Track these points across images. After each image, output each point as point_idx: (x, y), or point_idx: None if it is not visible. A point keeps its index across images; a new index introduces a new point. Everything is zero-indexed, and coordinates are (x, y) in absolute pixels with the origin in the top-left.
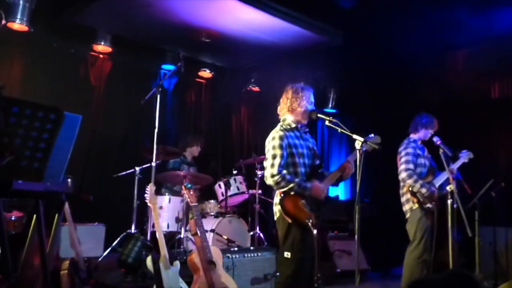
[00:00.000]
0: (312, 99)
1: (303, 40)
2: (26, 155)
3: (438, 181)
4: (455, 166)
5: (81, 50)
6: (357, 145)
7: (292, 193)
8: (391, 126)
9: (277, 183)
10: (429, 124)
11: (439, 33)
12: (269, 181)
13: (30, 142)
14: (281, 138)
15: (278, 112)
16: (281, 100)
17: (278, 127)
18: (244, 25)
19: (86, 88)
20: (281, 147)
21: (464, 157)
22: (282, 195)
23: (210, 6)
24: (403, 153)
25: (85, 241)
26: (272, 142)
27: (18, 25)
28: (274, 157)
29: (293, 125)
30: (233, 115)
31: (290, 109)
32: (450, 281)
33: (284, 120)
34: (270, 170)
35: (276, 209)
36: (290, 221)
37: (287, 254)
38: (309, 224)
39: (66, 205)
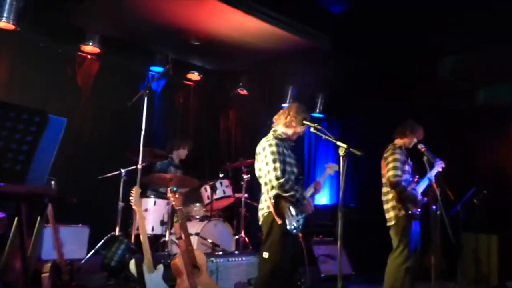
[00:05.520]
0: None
1: (292, 45)
2: (8, 157)
3: (420, 188)
4: (432, 174)
5: (68, 50)
6: (341, 151)
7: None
8: (377, 131)
9: (282, 185)
10: (416, 132)
11: (426, 40)
12: (274, 183)
13: (13, 144)
14: (276, 145)
15: (274, 120)
16: (282, 111)
17: (270, 135)
18: (233, 29)
19: (72, 88)
20: (278, 153)
21: (439, 165)
22: (274, 198)
23: (200, 9)
24: (390, 159)
25: (68, 243)
26: (270, 148)
27: (4, 23)
28: (275, 161)
29: (284, 137)
30: (221, 119)
31: (287, 124)
32: None
33: (275, 131)
34: (274, 173)
35: (261, 213)
36: (280, 221)
37: (265, 254)
38: (295, 227)
39: (49, 207)
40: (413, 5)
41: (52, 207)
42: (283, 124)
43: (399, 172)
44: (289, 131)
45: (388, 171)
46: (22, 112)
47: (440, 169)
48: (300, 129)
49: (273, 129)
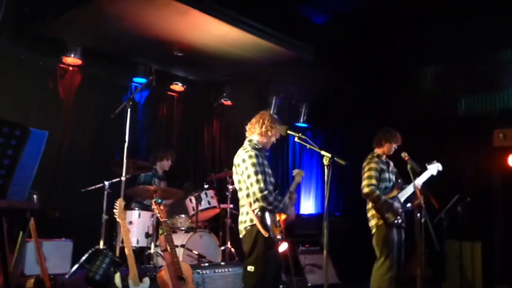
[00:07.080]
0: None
1: (275, 55)
2: None
3: (403, 196)
4: (422, 179)
5: (50, 63)
6: (325, 161)
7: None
8: (361, 141)
9: (265, 197)
10: (392, 139)
11: (409, 51)
12: (258, 195)
13: None
14: (257, 156)
15: (247, 129)
16: (254, 119)
17: (248, 146)
18: (217, 39)
19: (54, 101)
20: (259, 164)
21: (432, 168)
22: (259, 211)
23: (182, 20)
24: (366, 168)
25: (51, 257)
26: (251, 160)
27: None
28: (257, 173)
29: (260, 147)
30: (205, 129)
31: (263, 134)
32: None
33: (251, 140)
34: (257, 185)
35: (243, 226)
36: (266, 235)
37: (250, 268)
38: (277, 238)
39: (32, 221)
40: (396, 16)
41: (35, 221)
42: (258, 134)
43: (373, 181)
44: (265, 140)
45: (363, 181)
46: (3, 125)
47: (435, 173)
48: (274, 138)
49: (248, 138)
